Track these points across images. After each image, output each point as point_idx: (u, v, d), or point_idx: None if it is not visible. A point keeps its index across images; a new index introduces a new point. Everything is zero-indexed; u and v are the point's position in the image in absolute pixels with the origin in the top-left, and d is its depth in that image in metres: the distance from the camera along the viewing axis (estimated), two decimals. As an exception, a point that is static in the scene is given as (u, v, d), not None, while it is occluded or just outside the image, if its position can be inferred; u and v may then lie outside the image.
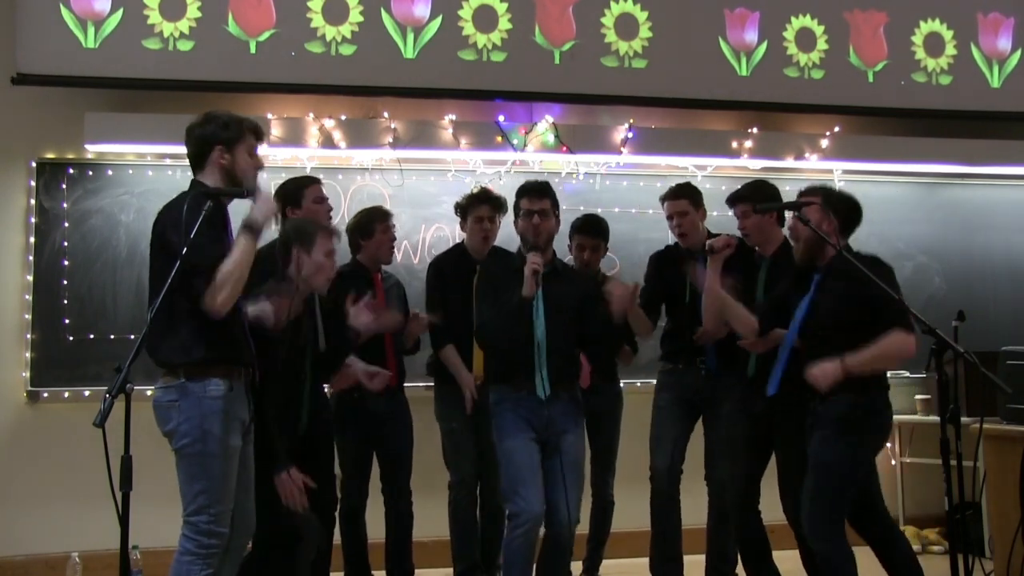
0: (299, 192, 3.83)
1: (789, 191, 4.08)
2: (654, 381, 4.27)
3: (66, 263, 4.75)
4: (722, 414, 3.99)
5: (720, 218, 5.26)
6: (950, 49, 5.62)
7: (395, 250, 4.32)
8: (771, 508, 3.83)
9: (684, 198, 4.10)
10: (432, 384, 4.35)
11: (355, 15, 4.93)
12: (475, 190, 4.40)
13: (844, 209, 3.41)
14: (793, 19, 5.44)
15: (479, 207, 4.23)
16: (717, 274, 3.66)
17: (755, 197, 3.81)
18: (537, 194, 3.67)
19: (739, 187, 4.00)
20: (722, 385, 3.99)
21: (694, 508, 4.15)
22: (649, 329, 4.15)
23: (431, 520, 4.36)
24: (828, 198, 3.43)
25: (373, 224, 4.15)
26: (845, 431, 3.27)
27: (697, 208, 4.12)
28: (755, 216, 3.78)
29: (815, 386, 3.23)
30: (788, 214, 3.65)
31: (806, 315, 3.40)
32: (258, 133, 3.03)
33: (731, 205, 3.90)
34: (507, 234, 4.11)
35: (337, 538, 3.93)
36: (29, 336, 4.71)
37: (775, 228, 3.83)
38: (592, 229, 4.35)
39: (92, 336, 4.74)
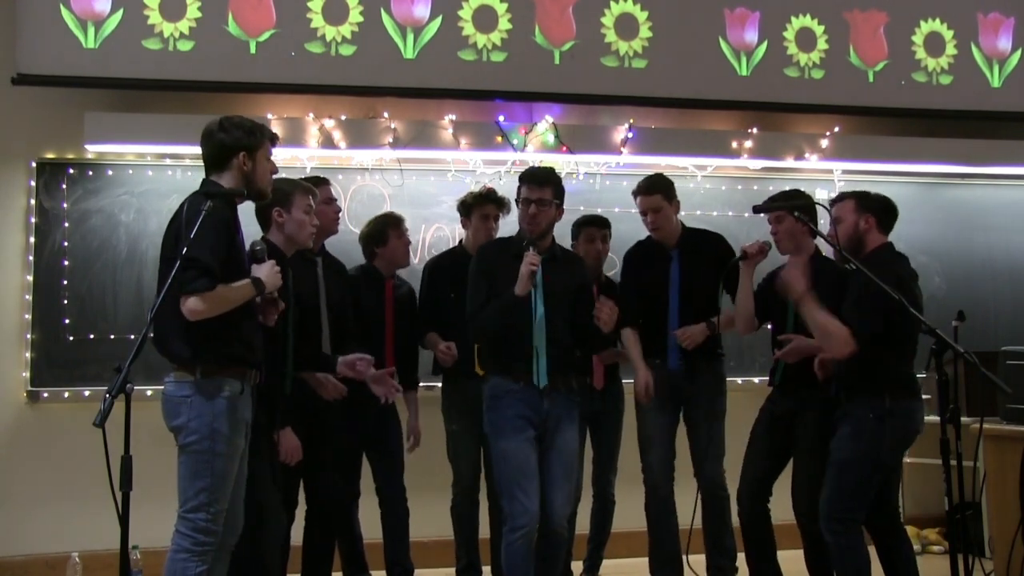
0: None
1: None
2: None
3: (66, 263, 4.75)
4: (704, 409, 4.02)
5: (720, 218, 5.30)
6: (950, 49, 5.62)
7: (411, 253, 4.34)
8: (777, 508, 3.84)
9: (657, 193, 4.05)
10: (434, 384, 4.37)
11: (355, 15, 4.93)
12: (482, 189, 4.42)
13: (878, 208, 3.54)
14: (793, 19, 5.44)
15: (485, 205, 4.24)
16: (751, 279, 3.78)
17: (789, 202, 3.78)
18: (538, 182, 3.56)
19: (776, 192, 3.98)
20: (698, 380, 4.02)
21: (689, 508, 4.14)
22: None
23: (431, 520, 4.36)
24: (862, 199, 3.53)
25: (387, 231, 4.20)
26: (864, 431, 3.35)
27: (671, 202, 4.08)
28: (787, 222, 3.73)
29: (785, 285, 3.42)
30: (824, 220, 3.65)
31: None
32: (274, 138, 3.13)
33: (757, 211, 3.79)
34: (506, 233, 4.11)
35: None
36: (29, 336, 4.71)
37: (806, 238, 3.76)
38: (598, 220, 4.43)
39: (92, 336, 4.74)
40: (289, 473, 3.46)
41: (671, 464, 4.07)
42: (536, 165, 3.75)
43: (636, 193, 4.12)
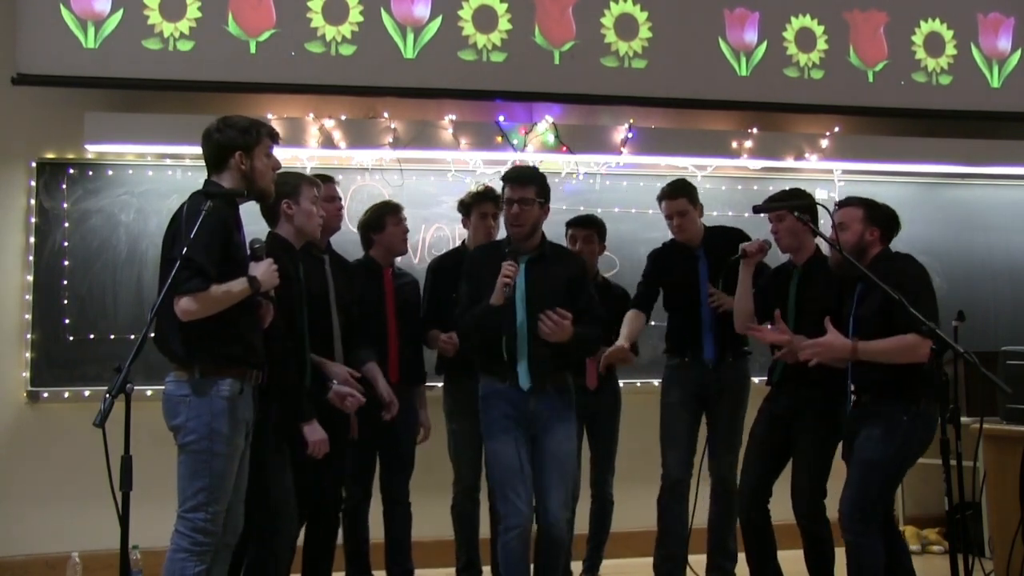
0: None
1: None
2: (654, 381, 4.27)
3: (66, 263, 4.75)
4: (725, 406, 4.06)
5: (720, 218, 5.29)
6: (950, 49, 5.62)
7: (407, 241, 4.30)
8: (777, 508, 3.84)
9: (683, 196, 4.12)
10: (436, 384, 4.36)
11: (355, 15, 4.93)
12: (480, 188, 4.42)
13: (884, 219, 3.55)
14: (793, 19, 5.44)
15: (484, 203, 4.24)
16: (750, 277, 3.80)
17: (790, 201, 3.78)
18: (520, 181, 3.51)
19: (776, 191, 4.00)
20: (726, 378, 4.07)
21: (695, 508, 4.14)
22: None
23: (431, 520, 4.36)
24: (871, 210, 3.54)
25: (384, 218, 4.19)
26: (897, 432, 3.34)
27: (695, 205, 4.14)
28: (788, 220, 3.73)
29: (813, 356, 3.36)
30: (824, 220, 3.65)
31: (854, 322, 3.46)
32: (274, 135, 3.12)
33: (757, 211, 3.76)
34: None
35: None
36: (29, 336, 4.70)
37: (807, 236, 3.77)
38: (582, 220, 4.43)
39: (92, 336, 4.74)
40: (302, 471, 3.45)
41: (690, 461, 4.10)
42: (518, 165, 3.68)
43: (661, 198, 4.16)
